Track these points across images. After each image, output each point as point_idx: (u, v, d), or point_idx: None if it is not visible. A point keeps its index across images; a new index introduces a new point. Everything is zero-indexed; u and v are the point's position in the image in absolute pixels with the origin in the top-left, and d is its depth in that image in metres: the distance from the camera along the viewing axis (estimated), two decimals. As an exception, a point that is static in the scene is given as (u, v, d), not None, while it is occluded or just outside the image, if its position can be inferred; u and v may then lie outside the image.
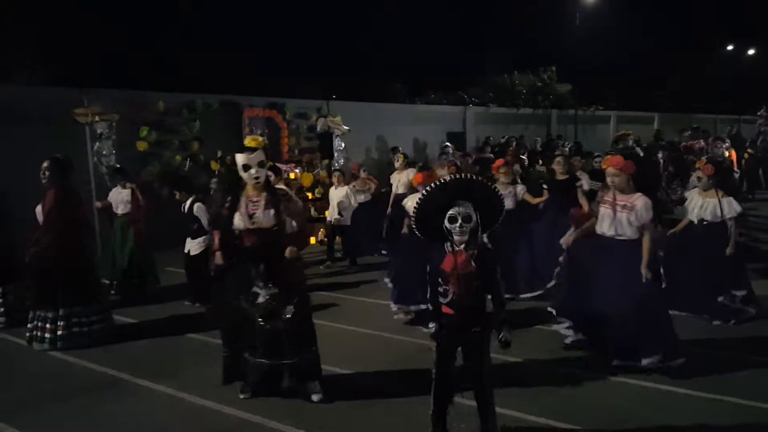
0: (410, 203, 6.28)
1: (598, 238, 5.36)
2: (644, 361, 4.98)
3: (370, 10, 32.74)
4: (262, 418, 4.50)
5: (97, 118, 10.30)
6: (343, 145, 14.09)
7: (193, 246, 7.74)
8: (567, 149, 15.90)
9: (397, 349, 5.95)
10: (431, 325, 3.80)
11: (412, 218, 3.78)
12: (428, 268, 3.81)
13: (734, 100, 30.59)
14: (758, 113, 22.46)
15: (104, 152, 10.31)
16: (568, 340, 5.68)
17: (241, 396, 4.81)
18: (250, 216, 4.55)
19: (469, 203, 3.64)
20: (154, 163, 11.24)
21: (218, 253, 4.82)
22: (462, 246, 3.65)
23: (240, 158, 4.56)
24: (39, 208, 6.29)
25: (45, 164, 6.22)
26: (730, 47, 35.64)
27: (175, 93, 12.30)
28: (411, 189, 7.59)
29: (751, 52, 35.54)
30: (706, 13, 35.98)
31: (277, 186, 5.06)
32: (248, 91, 14.28)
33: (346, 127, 14.14)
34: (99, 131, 10.33)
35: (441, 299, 3.70)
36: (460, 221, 3.59)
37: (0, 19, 18.42)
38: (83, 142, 10.39)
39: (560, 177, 8.07)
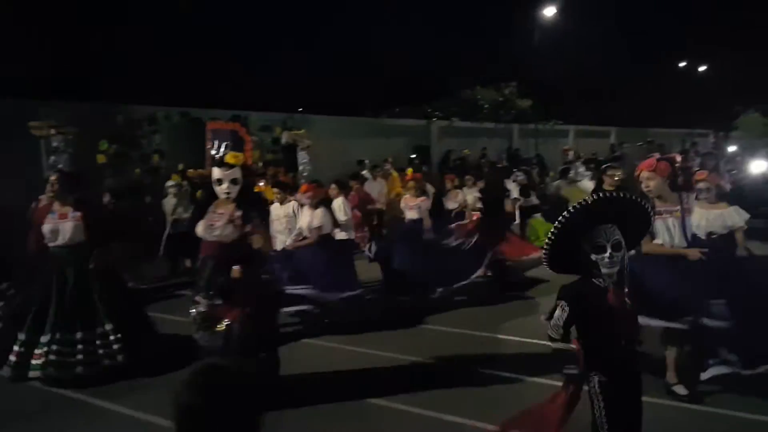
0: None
1: None
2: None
3: (333, 24, 32.88)
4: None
5: (53, 132, 10.04)
6: (307, 158, 14.02)
7: None
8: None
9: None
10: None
11: (544, 249, 3.15)
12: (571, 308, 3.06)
13: (689, 114, 31.51)
14: (710, 139, 23.47)
15: (60, 166, 10.05)
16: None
17: None
18: (210, 227, 4.61)
19: (615, 226, 3.04)
20: (115, 176, 11.01)
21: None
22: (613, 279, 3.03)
23: (215, 172, 4.67)
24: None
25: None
26: (683, 63, 36.79)
27: (135, 105, 12.10)
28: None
29: (702, 68, 36.80)
30: (663, 31, 37.13)
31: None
32: (211, 103, 14.14)
33: (308, 141, 14.09)
34: (55, 144, 10.07)
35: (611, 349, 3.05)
36: (609, 251, 2.98)
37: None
38: (38, 156, 10.12)
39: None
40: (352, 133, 16.98)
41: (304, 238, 7.07)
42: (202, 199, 4.91)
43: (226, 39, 25.35)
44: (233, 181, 4.63)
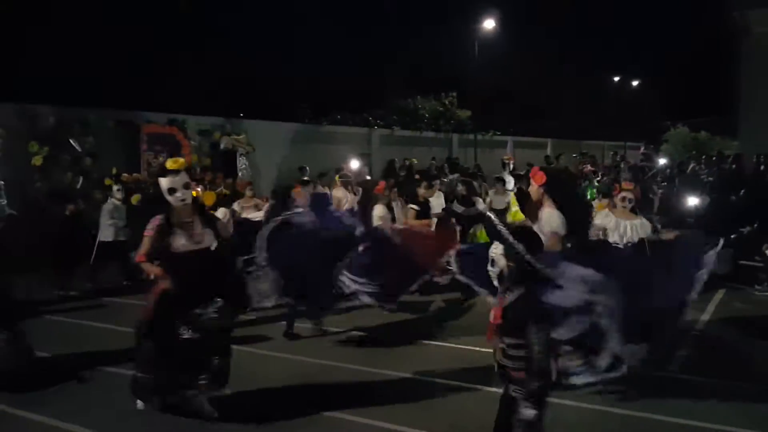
0: None
1: None
2: None
3: (276, 31, 32.73)
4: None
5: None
6: (247, 163, 13.92)
7: None
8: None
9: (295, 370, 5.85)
10: None
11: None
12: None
13: (620, 127, 32.79)
14: (640, 151, 24.41)
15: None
16: None
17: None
18: (191, 236, 4.56)
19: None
20: (45, 180, 10.66)
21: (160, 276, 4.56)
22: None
23: (165, 182, 4.53)
24: None
25: None
26: (617, 78, 38.33)
27: (67, 107, 11.73)
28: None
29: (635, 83, 38.50)
30: (597, 47, 38.75)
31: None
32: (147, 106, 13.84)
33: (249, 146, 13.99)
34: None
35: None
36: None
37: None
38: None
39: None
40: (292, 140, 16.95)
41: None
42: (139, 208, 4.88)
43: (162, 39, 24.81)
44: (185, 186, 4.56)
